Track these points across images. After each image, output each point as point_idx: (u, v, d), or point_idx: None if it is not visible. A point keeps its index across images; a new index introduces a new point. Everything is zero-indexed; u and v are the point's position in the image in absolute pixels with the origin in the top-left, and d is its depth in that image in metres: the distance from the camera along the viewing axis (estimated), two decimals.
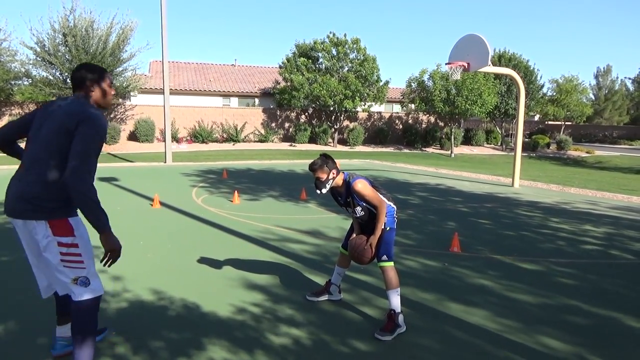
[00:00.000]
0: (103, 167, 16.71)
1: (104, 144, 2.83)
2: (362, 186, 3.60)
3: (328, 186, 3.67)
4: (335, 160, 3.79)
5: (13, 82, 22.36)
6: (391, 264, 3.65)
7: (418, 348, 3.33)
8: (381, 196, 3.68)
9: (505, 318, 3.88)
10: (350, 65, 27.22)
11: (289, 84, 27.26)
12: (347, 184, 3.66)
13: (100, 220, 2.50)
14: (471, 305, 4.14)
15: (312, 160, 3.71)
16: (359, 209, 3.70)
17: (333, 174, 3.66)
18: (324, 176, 3.64)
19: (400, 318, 3.60)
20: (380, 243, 3.66)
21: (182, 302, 4.05)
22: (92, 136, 2.50)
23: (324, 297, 4.16)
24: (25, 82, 23.17)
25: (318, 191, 3.69)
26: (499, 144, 32.60)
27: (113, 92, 2.84)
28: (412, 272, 5.07)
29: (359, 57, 27.20)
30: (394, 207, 3.79)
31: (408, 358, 3.18)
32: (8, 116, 23.01)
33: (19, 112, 23.37)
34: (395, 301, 3.59)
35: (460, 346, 3.37)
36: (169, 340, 3.33)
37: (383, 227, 3.65)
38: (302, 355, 3.18)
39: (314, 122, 29.21)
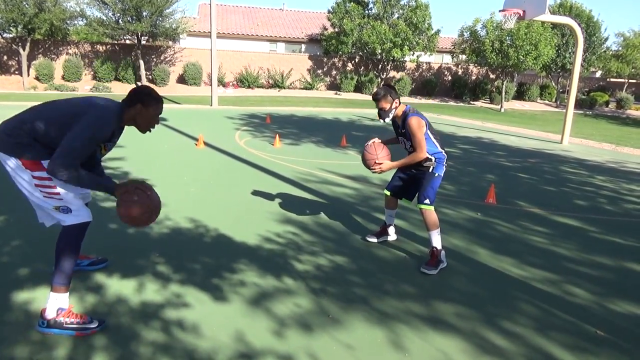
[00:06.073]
0: None
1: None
2: (415, 123, 3.67)
3: (391, 115, 3.77)
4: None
5: (69, 22, 23.01)
6: (431, 207, 3.75)
7: (441, 285, 3.46)
8: (435, 141, 3.79)
9: (531, 266, 3.92)
10: (401, 12, 26.26)
11: (336, 29, 26.69)
12: (405, 116, 3.75)
13: (101, 188, 2.69)
14: (498, 253, 4.20)
15: (374, 90, 3.79)
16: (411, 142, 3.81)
17: (396, 103, 3.75)
18: (387, 106, 3.73)
19: (442, 254, 3.78)
20: (427, 186, 3.78)
21: (218, 232, 4.31)
22: (82, 127, 2.57)
23: (383, 239, 4.30)
24: (81, 23, 23.81)
25: (381, 120, 3.81)
26: (554, 100, 31.06)
27: (149, 120, 2.99)
28: (444, 219, 5.13)
29: (410, 4, 26.16)
30: (445, 155, 3.88)
31: (424, 293, 3.32)
32: (65, 55, 23.85)
33: (75, 52, 24.16)
34: (437, 239, 3.74)
35: (484, 286, 3.47)
36: (205, 264, 3.61)
37: (432, 172, 3.78)
38: (326, 281, 3.38)
39: (360, 70, 28.74)
